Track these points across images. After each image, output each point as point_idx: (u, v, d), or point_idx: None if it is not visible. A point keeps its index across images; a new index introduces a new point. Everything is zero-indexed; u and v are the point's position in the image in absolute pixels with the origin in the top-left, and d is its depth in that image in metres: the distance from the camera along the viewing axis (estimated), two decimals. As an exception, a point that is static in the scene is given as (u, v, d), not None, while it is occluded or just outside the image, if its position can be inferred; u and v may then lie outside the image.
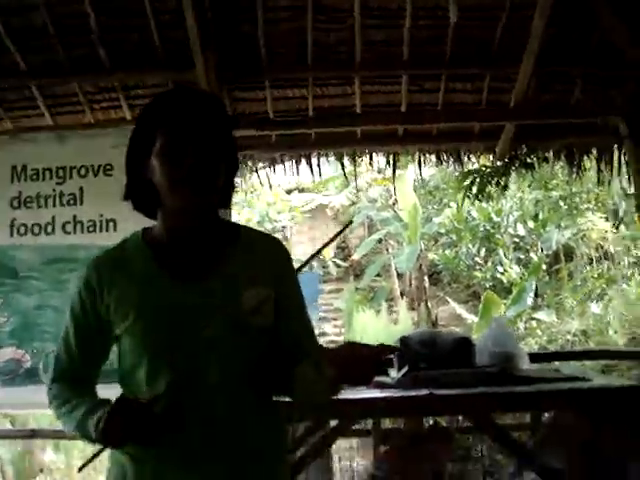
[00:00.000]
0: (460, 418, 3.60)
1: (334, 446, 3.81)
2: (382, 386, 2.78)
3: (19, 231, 4.36)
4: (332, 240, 2.06)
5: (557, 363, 4.87)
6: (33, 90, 4.64)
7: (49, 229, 4.36)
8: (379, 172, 14.12)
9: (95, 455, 1.55)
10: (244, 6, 4.33)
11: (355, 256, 17.32)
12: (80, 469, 1.67)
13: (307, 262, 1.92)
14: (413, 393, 2.76)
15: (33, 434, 5.51)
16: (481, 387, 2.90)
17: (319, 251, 2.09)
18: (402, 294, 16.04)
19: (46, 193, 4.39)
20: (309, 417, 2.68)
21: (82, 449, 7.44)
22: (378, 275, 16.77)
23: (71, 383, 1.68)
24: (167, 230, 1.64)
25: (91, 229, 4.35)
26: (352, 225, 17.01)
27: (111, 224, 4.32)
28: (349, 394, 2.40)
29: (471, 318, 12.40)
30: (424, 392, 2.76)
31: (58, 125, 4.78)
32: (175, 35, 4.36)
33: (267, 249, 1.74)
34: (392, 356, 1.74)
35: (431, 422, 3.92)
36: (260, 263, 1.68)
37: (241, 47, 4.52)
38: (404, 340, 3.17)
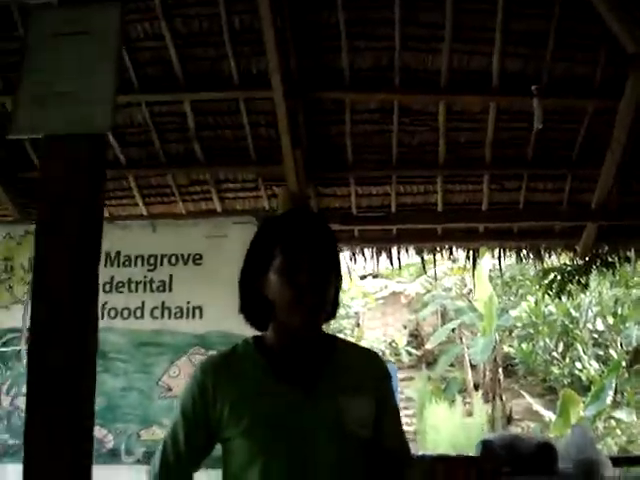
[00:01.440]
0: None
1: None
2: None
3: (110, 314, 4.49)
4: None
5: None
6: (130, 181, 4.92)
7: (138, 313, 4.50)
8: (454, 262, 14.11)
9: None
10: (333, 108, 4.54)
11: (428, 345, 17.15)
12: None
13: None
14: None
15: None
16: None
17: None
18: (476, 386, 15.75)
19: (137, 279, 4.54)
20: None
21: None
22: (451, 365, 16.56)
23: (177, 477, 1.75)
24: (280, 342, 1.74)
25: (178, 315, 4.46)
26: (425, 314, 16.94)
27: (197, 311, 4.43)
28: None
29: (547, 415, 12.08)
30: (507, 499, 2.76)
31: (151, 214, 5.04)
32: (266, 133, 4.60)
33: (367, 361, 1.84)
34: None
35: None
36: (360, 374, 1.77)
37: (328, 145, 4.73)
38: (486, 443, 3.17)
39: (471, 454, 1.73)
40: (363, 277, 17.83)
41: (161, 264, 4.57)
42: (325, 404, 1.69)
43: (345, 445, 1.69)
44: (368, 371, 1.81)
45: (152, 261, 4.58)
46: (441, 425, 11.88)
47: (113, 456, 4.31)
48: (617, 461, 4.75)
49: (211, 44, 4.26)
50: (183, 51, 4.26)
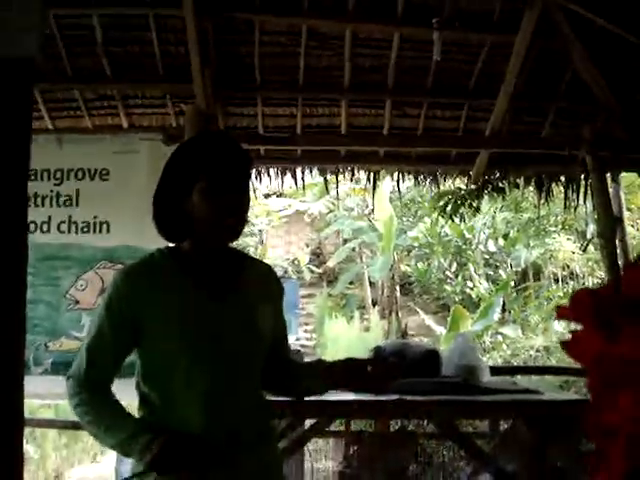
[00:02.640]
0: (426, 425, 3.88)
1: (306, 447, 4.06)
2: (356, 390, 3.05)
3: (16, 228, 4.52)
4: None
5: (519, 377, 5.16)
6: (36, 94, 4.85)
7: (45, 228, 4.50)
8: (357, 183, 14.37)
9: (141, 473, 1.72)
10: (243, 29, 4.60)
11: (329, 263, 17.57)
12: None
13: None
14: (384, 398, 3.05)
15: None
16: (445, 395, 3.21)
17: None
18: (374, 303, 16.33)
19: (43, 193, 4.52)
20: (290, 413, 2.96)
21: (55, 439, 7.60)
22: (351, 283, 17.05)
23: (101, 390, 1.85)
24: (198, 255, 1.90)
25: (85, 230, 4.49)
26: (328, 232, 17.28)
27: (104, 226, 4.47)
28: (327, 395, 2.67)
29: (439, 330, 12.73)
30: (394, 397, 3.05)
31: (57, 128, 5.00)
32: (175, 51, 4.63)
33: (265, 272, 2.07)
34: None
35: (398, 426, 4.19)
36: (263, 284, 2.01)
37: (237, 65, 4.80)
38: (378, 350, 3.48)
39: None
40: (267, 196, 17.92)
41: (67, 179, 4.54)
42: (241, 309, 1.89)
43: (258, 346, 1.91)
44: (271, 283, 2.05)
45: (58, 175, 4.54)
46: (339, 339, 12.35)
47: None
48: (500, 370, 5.22)
49: (121, -41, 4.22)
50: (92, -36, 4.21)
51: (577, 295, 0.60)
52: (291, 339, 3.99)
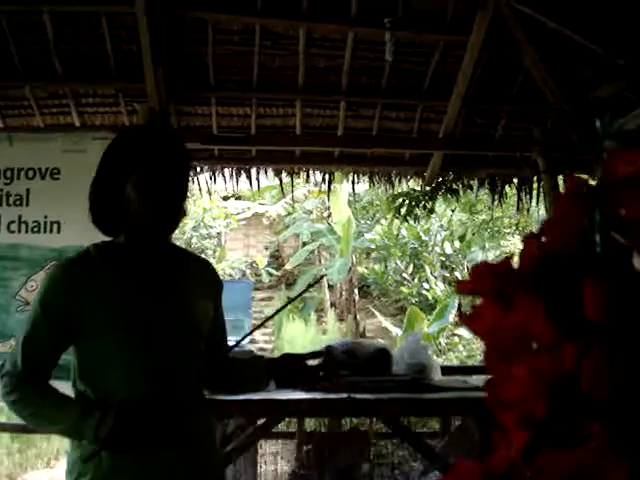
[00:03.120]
0: (378, 424, 3.90)
1: (259, 451, 4.05)
2: (307, 389, 3.06)
3: (-37, 228, 4.44)
4: (301, 294, 2.30)
5: (474, 377, 5.19)
6: (-15, 92, 4.78)
7: (-6, 227, 4.46)
8: (315, 185, 14.39)
9: (96, 453, 1.70)
10: (196, 27, 4.58)
11: (288, 266, 17.55)
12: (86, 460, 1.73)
13: (255, 329, 2.22)
14: (333, 396, 3.05)
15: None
16: (394, 393, 3.22)
17: (291, 301, 2.32)
18: (333, 305, 16.36)
19: (-7, 192, 4.48)
20: (239, 413, 2.95)
21: (8, 445, 7.47)
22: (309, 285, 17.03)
23: (40, 383, 1.82)
24: (134, 249, 1.88)
25: (35, 229, 4.43)
26: (287, 235, 17.28)
27: (55, 226, 4.41)
28: (277, 395, 2.67)
29: (396, 332, 12.79)
30: (344, 396, 3.06)
31: (8, 127, 4.93)
32: (128, 49, 4.58)
33: (204, 269, 2.08)
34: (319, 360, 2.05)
35: (350, 425, 4.21)
36: (201, 279, 2.01)
37: (190, 65, 4.77)
38: (329, 349, 3.48)
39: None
40: (226, 198, 17.83)
41: (18, 178, 4.48)
42: (178, 304, 1.89)
43: (196, 342, 1.90)
44: (209, 278, 2.06)
45: (9, 174, 4.48)
46: (297, 341, 12.36)
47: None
48: (456, 370, 5.26)
49: (71, -45, 4.18)
50: (41, -40, 4.16)
51: (476, 269, 0.60)
52: (245, 340, 3.97)
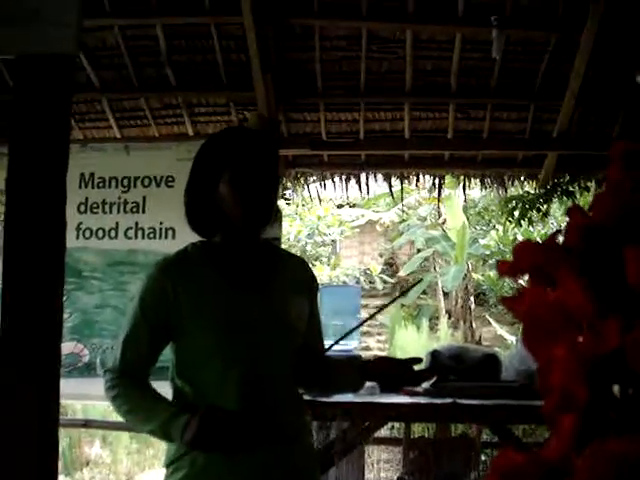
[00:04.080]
0: (486, 432, 3.80)
1: (367, 457, 4.02)
2: (411, 394, 3.01)
3: (84, 235, 4.63)
4: (401, 296, 2.27)
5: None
6: (103, 104, 5.00)
7: (112, 234, 4.64)
8: (429, 191, 14.24)
9: (181, 456, 1.74)
10: (302, 34, 4.63)
11: (402, 273, 17.41)
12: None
13: (361, 325, 2.18)
14: (438, 401, 2.99)
15: (85, 424, 5.84)
16: (501, 399, 3.11)
17: (385, 307, 2.28)
18: (447, 313, 16.10)
19: (111, 200, 4.67)
20: (342, 416, 2.94)
21: (127, 445, 7.74)
22: (424, 293, 16.86)
23: (138, 381, 1.86)
24: (230, 246, 1.91)
25: (151, 236, 4.61)
26: (401, 242, 17.17)
27: (170, 232, 4.57)
28: (379, 398, 2.64)
29: (513, 340, 12.46)
30: (448, 401, 2.99)
31: (125, 137, 5.14)
32: (237, 58, 4.69)
33: (299, 266, 2.08)
34: (421, 367, 2.01)
35: (458, 432, 4.12)
36: (297, 277, 2.01)
37: (298, 71, 4.83)
38: (434, 353, 3.41)
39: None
40: (340, 206, 17.94)
41: (134, 186, 4.67)
42: (274, 301, 1.89)
43: (292, 338, 1.90)
44: (304, 275, 2.05)
45: (126, 183, 4.67)
46: (409, 348, 12.23)
47: (89, 369, 4.52)
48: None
49: (182, -32, 4.31)
50: (154, -25, 4.31)
51: (517, 248, 0.56)
52: (353, 345, 4.01)
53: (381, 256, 19.67)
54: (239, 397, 1.77)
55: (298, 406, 1.97)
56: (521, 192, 5.75)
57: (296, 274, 2.01)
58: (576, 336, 0.47)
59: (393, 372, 1.94)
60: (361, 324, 2.21)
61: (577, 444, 0.43)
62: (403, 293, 2.22)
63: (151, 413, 1.79)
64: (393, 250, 19.07)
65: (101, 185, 4.70)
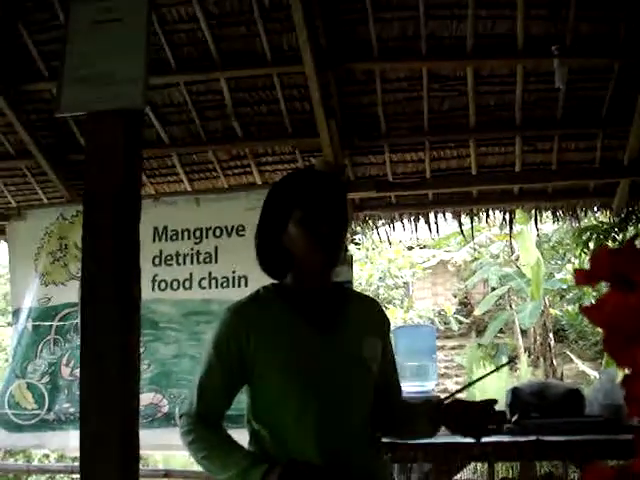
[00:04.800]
0: (573, 470, 3.66)
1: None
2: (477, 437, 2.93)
3: (160, 286, 4.72)
4: (487, 375, 2.16)
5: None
6: (174, 159, 5.15)
7: (187, 284, 4.71)
8: (501, 228, 14.06)
9: None
10: (363, 78, 4.67)
11: (477, 312, 17.16)
12: None
13: (454, 394, 2.08)
14: (521, 439, 2.91)
15: (166, 474, 5.88)
16: (587, 435, 3.00)
17: (472, 383, 2.23)
18: (526, 351, 15.74)
19: (184, 252, 4.75)
20: (423, 457, 2.88)
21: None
22: (501, 331, 16.55)
23: (214, 425, 1.86)
24: (301, 288, 1.92)
25: (225, 285, 4.66)
26: (474, 281, 16.94)
27: (242, 280, 4.61)
28: (461, 438, 2.57)
29: (596, 375, 12.08)
30: (532, 438, 2.90)
31: (195, 190, 5.26)
32: (301, 106, 4.77)
33: (371, 306, 2.07)
34: (501, 408, 1.95)
35: (544, 471, 3.98)
36: (369, 317, 2.00)
37: (361, 115, 4.87)
38: (515, 391, 3.33)
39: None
40: (410, 248, 17.88)
41: (206, 237, 4.75)
42: (349, 343, 1.89)
43: (368, 380, 1.88)
44: (376, 316, 2.04)
45: (198, 234, 4.76)
46: (488, 388, 11.96)
47: (168, 419, 4.54)
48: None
49: (243, 23, 4.41)
50: (217, 31, 4.42)
51: (595, 256, 0.55)
52: (430, 385, 3.94)
53: (455, 296, 19.45)
54: (316, 442, 1.76)
55: (375, 448, 1.94)
56: (595, 222, 5.64)
57: (368, 314, 2.01)
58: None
59: (472, 417, 1.83)
60: (467, 386, 2.14)
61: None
62: (494, 370, 2.12)
63: (229, 460, 1.79)
64: (467, 289, 18.85)
65: (174, 237, 4.79)
